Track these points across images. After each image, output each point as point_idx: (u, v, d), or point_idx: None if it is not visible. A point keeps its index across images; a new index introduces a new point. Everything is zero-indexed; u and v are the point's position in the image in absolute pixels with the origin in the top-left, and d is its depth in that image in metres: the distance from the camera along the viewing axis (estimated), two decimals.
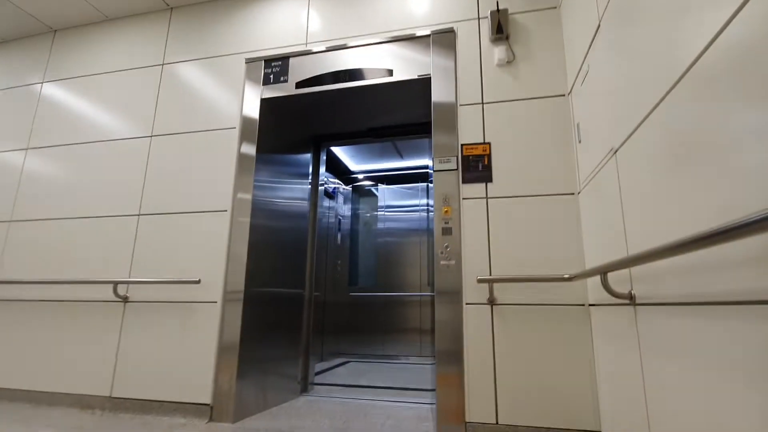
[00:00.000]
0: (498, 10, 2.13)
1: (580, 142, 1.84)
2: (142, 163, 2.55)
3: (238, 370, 2.09)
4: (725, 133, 0.80)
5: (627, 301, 1.32)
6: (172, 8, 2.84)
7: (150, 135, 2.60)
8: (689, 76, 0.92)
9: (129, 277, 2.36)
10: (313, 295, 2.89)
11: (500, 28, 2.12)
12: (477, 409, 1.79)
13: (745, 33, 0.74)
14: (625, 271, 1.34)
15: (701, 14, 0.86)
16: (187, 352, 2.16)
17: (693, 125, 0.91)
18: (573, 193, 1.90)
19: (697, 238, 0.72)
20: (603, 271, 1.30)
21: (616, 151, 1.39)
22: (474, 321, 1.87)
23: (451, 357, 1.86)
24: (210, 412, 2.06)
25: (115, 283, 2.29)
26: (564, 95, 2.01)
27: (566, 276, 1.68)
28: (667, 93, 1.02)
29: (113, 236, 2.46)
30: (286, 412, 2.23)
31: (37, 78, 3.00)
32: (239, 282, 2.20)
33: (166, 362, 2.18)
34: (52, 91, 2.92)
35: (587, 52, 1.68)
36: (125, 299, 2.33)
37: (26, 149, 2.84)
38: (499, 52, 2.11)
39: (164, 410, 2.12)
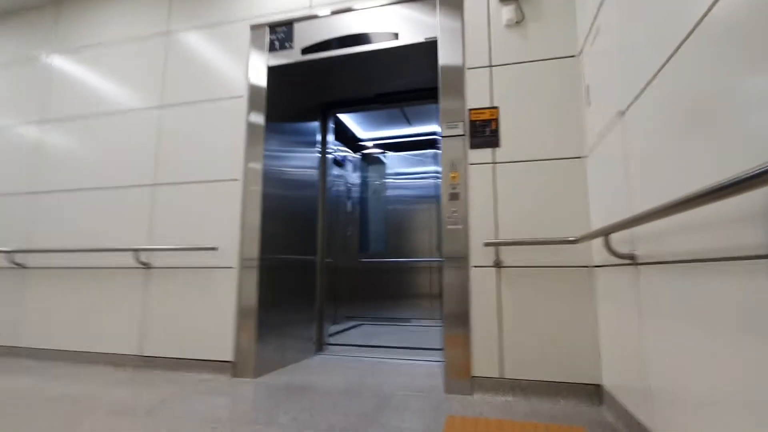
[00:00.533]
0: None
1: (589, 104, 1.82)
2: (154, 133, 2.60)
3: (256, 331, 2.21)
4: (731, 93, 0.80)
5: (629, 261, 1.36)
6: None
7: (160, 105, 2.63)
8: (696, 34, 0.91)
9: (149, 245, 2.47)
10: (325, 261, 2.98)
11: None
12: (482, 365, 1.89)
13: None
14: (627, 233, 1.37)
15: None
16: (209, 314, 2.29)
17: (699, 85, 0.92)
18: (580, 157, 1.90)
19: (695, 196, 0.73)
20: (606, 233, 1.33)
21: (624, 113, 1.39)
22: (480, 283, 1.94)
23: (458, 317, 1.94)
24: (233, 368, 2.21)
25: (136, 251, 2.40)
26: (574, 56, 1.97)
27: (571, 239, 1.72)
28: (674, 53, 1.01)
29: (132, 205, 2.55)
30: (303, 368, 2.38)
31: (44, 50, 3.01)
32: (254, 249, 2.29)
33: (190, 324, 2.32)
34: (60, 62, 2.94)
35: (598, 12, 1.63)
36: (147, 265, 2.44)
37: (40, 121, 2.90)
38: (507, 11, 2.05)
39: (191, 367, 2.27)
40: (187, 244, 2.39)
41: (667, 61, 1.05)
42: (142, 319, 2.41)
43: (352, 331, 3.76)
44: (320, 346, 2.87)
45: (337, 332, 3.64)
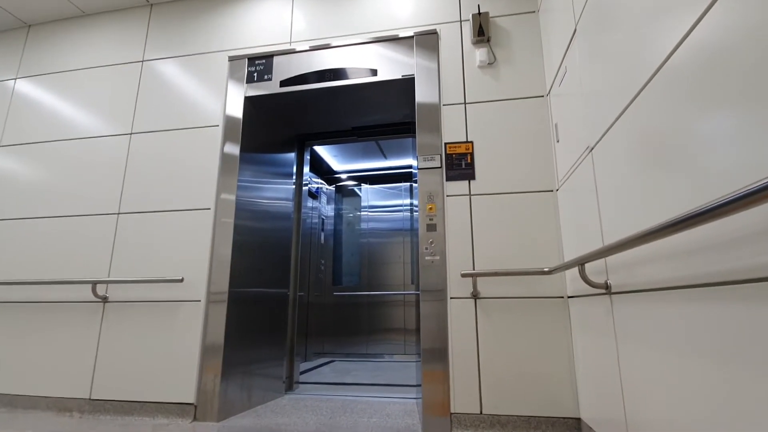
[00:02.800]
0: (479, 13, 2.20)
1: (558, 141, 1.91)
2: (122, 161, 2.50)
3: (222, 369, 2.07)
4: (691, 130, 0.86)
5: (603, 291, 1.38)
6: (152, 4, 2.80)
7: (130, 132, 2.55)
8: (658, 77, 0.99)
9: (108, 277, 2.31)
10: (297, 295, 2.89)
11: (482, 30, 2.18)
12: (462, 401, 1.83)
13: (708, 37, 0.80)
14: (601, 263, 1.41)
15: (669, 19, 0.93)
16: (170, 352, 2.14)
17: (662, 123, 0.98)
18: (552, 190, 1.97)
19: (664, 226, 0.78)
20: (580, 263, 1.36)
21: (592, 149, 1.46)
22: (458, 315, 1.92)
23: (436, 350, 1.90)
24: (194, 411, 2.04)
25: (94, 283, 2.24)
26: (543, 96, 2.09)
27: (546, 269, 1.74)
28: (638, 93, 1.08)
29: (92, 235, 2.40)
30: (272, 410, 2.23)
31: (9, 74, 2.90)
32: (223, 282, 2.19)
33: (148, 363, 2.15)
34: (26, 87, 2.83)
35: (564, 55, 1.75)
36: (105, 299, 2.28)
37: None
38: (480, 54, 2.17)
39: (146, 411, 2.08)
40: (151, 275, 2.26)
41: (632, 101, 1.12)
42: (95, 358, 2.21)
43: (324, 368, 3.60)
44: (291, 384, 2.71)
45: (309, 369, 3.48)
